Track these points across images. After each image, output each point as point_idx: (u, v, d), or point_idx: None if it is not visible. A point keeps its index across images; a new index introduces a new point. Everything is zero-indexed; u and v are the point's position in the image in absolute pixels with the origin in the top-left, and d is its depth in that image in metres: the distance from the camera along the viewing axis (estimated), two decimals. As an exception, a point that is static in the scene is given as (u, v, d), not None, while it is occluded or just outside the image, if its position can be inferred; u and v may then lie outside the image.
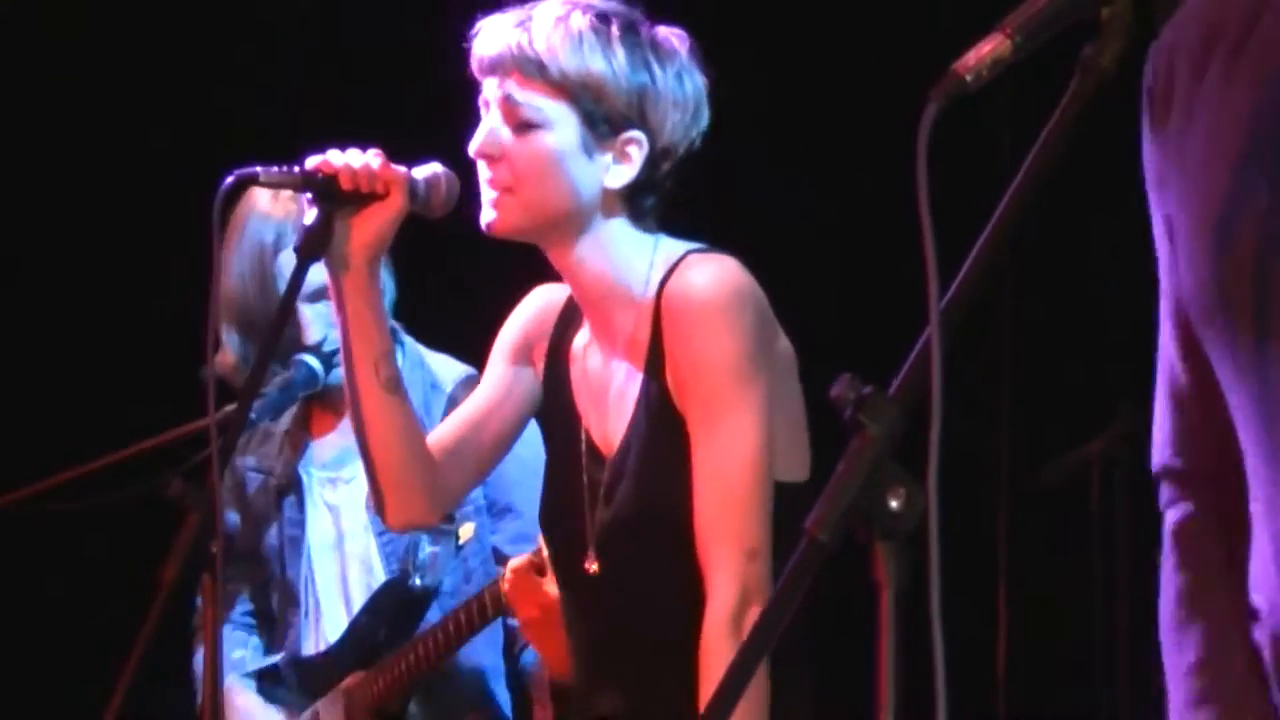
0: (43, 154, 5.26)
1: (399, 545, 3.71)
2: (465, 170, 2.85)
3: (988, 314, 4.78)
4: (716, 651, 2.66)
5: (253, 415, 3.57)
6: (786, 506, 2.71)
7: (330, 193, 2.77)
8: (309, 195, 2.79)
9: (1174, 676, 1.98)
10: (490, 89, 2.78)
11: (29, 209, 5.28)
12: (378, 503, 2.91)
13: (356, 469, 3.77)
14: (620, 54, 2.74)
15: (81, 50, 5.26)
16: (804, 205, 4.81)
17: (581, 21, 2.75)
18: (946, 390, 1.62)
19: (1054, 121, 1.72)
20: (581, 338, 2.90)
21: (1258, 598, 1.89)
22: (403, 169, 2.80)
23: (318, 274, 3.62)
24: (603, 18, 2.77)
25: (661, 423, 2.77)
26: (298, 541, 3.79)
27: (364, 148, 2.80)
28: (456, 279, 4.46)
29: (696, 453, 2.73)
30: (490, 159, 2.77)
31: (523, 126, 2.75)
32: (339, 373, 3.66)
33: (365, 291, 2.81)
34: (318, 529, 3.79)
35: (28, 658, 5.15)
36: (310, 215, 2.78)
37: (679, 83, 2.78)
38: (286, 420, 3.82)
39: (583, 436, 2.88)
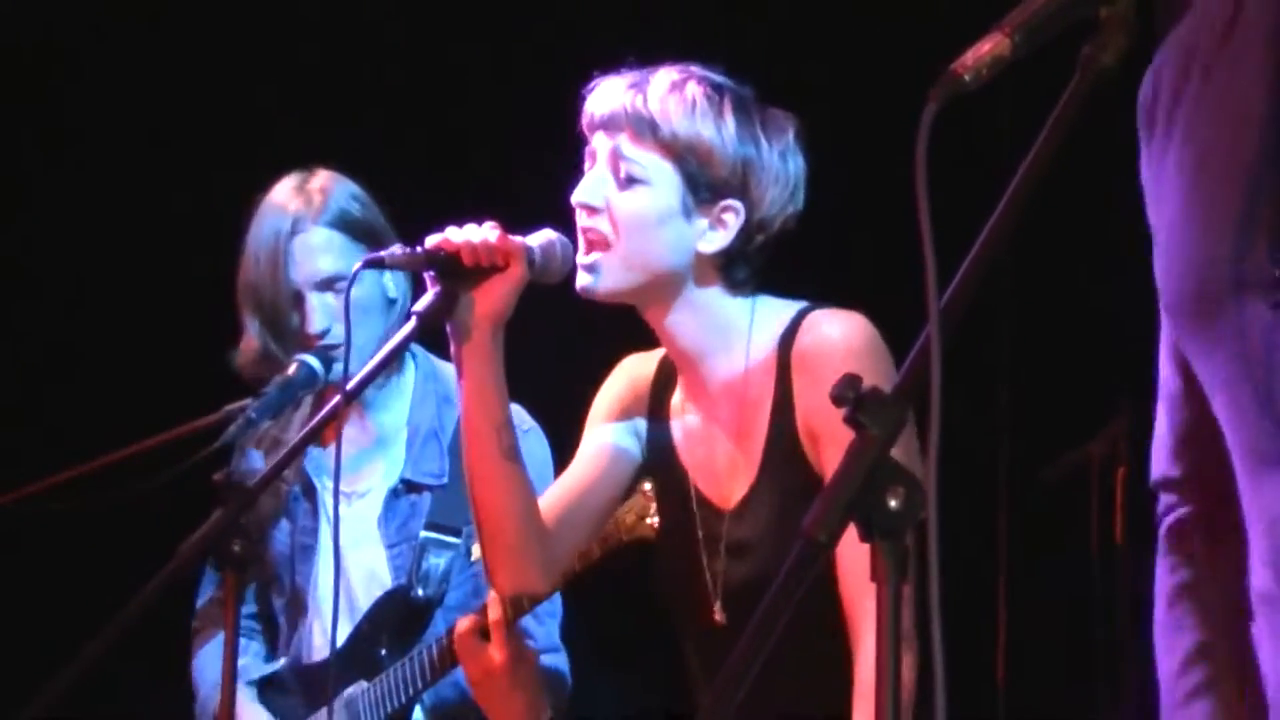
0: (39, 157, 5.27)
1: (407, 559, 3.72)
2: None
3: (988, 313, 4.78)
4: (874, 694, 2.67)
5: (252, 415, 3.57)
6: None
7: (453, 270, 2.82)
8: (431, 273, 2.83)
9: (1165, 676, 2.00)
10: (599, 143, 2.84)
11: (30, 211, 5.29)
12: (489, 570, 2.95)
13: (370, 483, 3.78)
14: (730, 124, 2.81)
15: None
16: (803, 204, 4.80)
17: (696, 90, 2.82)
18: (946, 389, 1.62)
19: (1053, 120, 1.73)
20: (678, 397, 2.97)
21: (1255, 601, 1.90)
22: (520, 239, 2.84)
23: (326, 264, 3.66)
24: (717, 89, 2.84)
25: (794, 477, 2.81)
26: (310, 550, 3.79)
27: (479, 221, 2.84)
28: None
29: None
30: (591, 209, 2.83)
31: (627, 181, 2.81)
32: (339, 368, 3.68)
33: (487, 362, 2.84)
34: (328, 541, 3.79)
35: (28, 657, 5.15)
36: (431, 293, 2.82)
37: (783, 161, 2.85)
38: (296, 427, 3.82)
39: (692, 491, 2.93)
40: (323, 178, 3.75)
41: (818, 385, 2.78)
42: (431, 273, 2.83)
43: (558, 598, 3.64)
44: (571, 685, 3.72)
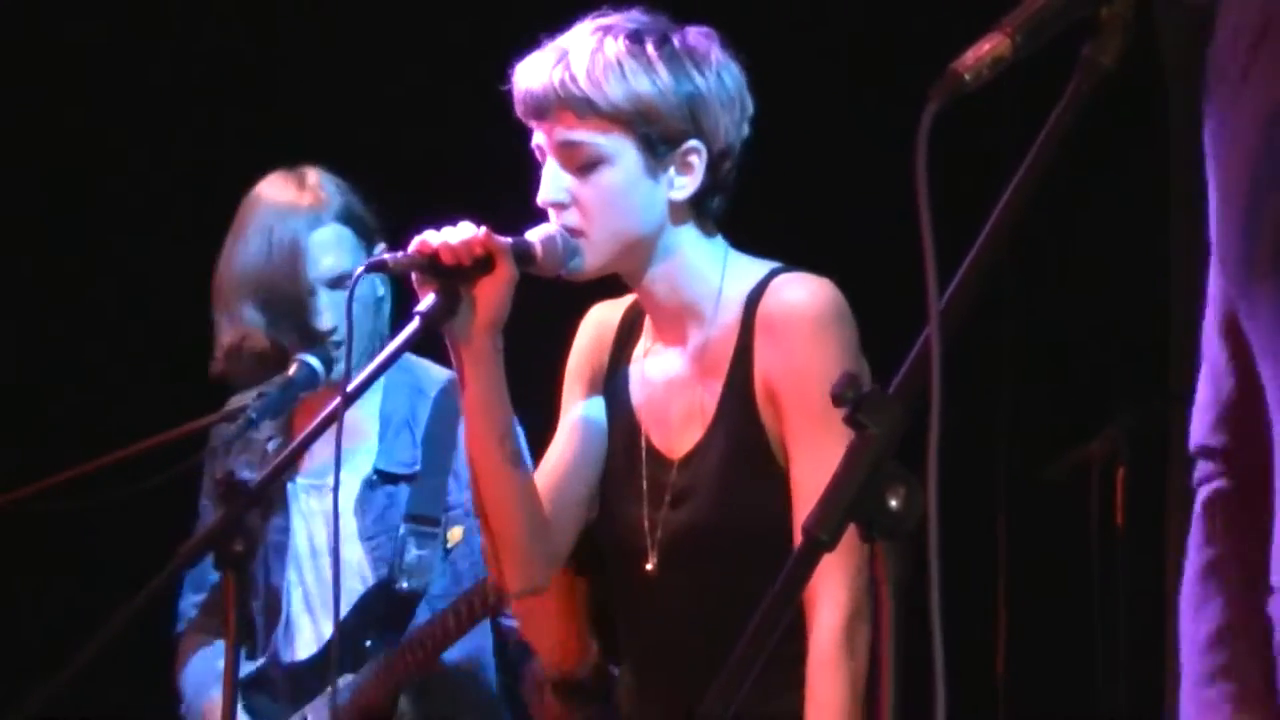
0: (35, 154, 5.27)
1: (387, 550, 3.71)
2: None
3: (988, 313, 4.78)
4: (830, 666, 2.68)
5: (253, 415, 3.57)
6: None
7: (437, 270, 2.76)
8: (416, 276, 2.78)
9: (1188, 651, 2.00)
10: (542, 135, 2.80)
11: (30, 211, 5.29)
12: (496, 572, 2.91)
13: (342, 475, 3.76)
14: (663, 71, 2.76)
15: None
16: (803, 205, 4.81)
17: (617, 47, 2.76)
18: (946, 389, 1.62)
19: (1054, 120, 1.73)
20: (642, 346, 2.94)
21: (1277, 576, 1.91)
22: (505, 238, 2.78)
23: (343, 260, 3.64)
24: (635, 38, 2.78)
25: (744, 432, 2.80)
26: (282, 549, 3.78)
27: (478, 223, 2.78)
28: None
29: (800, 464, 2.75)
30: (559, 207, 2.79)
31: (585, 167, 2.77)
32: (340, 369, 3.66)
33: (487, 369, 2.80)
34: (302, 537, 3.78)
35: (28, 657, 5.15)
36: (428, 299, 2.76)
37: (721, 83, 2.81)
38: (268, 428, 3.80)
39: (643, 441, 2.90)
40: (317, 174, 3.73)
41: (779, 348, 2.77)
42: (417, 275, 2.77)
43: None
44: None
